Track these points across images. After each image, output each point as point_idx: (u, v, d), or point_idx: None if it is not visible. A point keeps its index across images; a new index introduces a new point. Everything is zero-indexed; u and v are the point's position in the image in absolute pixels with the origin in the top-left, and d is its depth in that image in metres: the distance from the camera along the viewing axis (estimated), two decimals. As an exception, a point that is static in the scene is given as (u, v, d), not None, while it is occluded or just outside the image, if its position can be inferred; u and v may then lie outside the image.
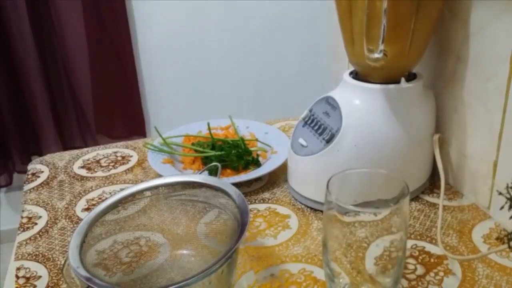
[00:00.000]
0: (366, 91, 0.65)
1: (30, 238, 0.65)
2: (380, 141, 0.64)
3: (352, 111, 0.64)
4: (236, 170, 0.77)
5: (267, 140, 0.84)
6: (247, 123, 0.90)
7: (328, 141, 0.64)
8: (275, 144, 0.82)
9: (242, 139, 0.82)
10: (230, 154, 0.78)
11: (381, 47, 0.58)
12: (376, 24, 0.58)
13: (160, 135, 0.84)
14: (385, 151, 0.64)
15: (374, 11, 0.58)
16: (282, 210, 0.69)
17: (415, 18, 0.59)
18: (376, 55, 0.59)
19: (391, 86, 0.64)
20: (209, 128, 0.84)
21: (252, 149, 0.81)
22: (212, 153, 0.78)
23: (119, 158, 0.86)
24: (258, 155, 0.81)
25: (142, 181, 0.58)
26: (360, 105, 0.64)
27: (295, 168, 0.70)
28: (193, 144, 0.83)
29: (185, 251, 0.56)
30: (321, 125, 0.66)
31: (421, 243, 0.60)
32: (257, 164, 0.78)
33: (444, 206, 0.66)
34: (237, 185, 0.75)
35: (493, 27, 0.60)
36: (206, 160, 0.79)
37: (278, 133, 0.86)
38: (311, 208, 0.68)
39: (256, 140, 0.84)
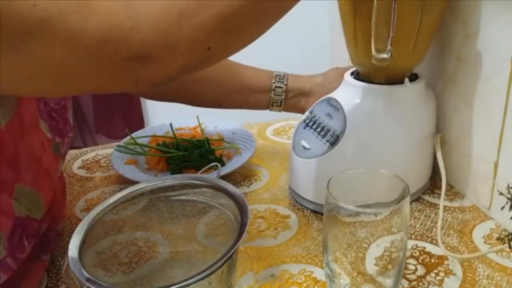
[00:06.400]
0: (369, 92, 0.64)
1: (29, 238, 0.65)
2: (383, 142, 0.63)
3: (355, 112, 0.64)
4: (199, 170, 0.77)
5: (234, 140, 0.84)
6: (215, 123, 0.90)
7: (333, 143, 0.63)
8: (241, 144, 0.82)
9: (207, 139, 0.82)
10: (193, 154, 0.78)
11: (389, 47, 0.58)
12: (384, 24, 0.57)
13: (130, 135, 0.85)
14: (388, 152, 0.64)
15: (382, 11, 0.57)
16: (282, 210, 0.69)
17: (420, 18, 0.59)
18: (384, 55, 0.58)
19: (395, 86, 0.63)
20: (172, 129, 0.85)
21: (216, 148, 0.81)
22: (175, 153, 0.79)
23: (119, 158, 0.86)
24: (221, 155, 0.81)
25: (142, 181, 0.57)
26: (364, 106, 0.64)
27: (298, 171, 0.69)
28: (157, 144, 0.83)
29: (185, 251, 0.56)
30: (323, 127, 0.65)
31: (421, 244, 0.60)
32: (220, 163, 0.78)
33: (444, 206, 0.66)
34: (237, 185, 0.75)
35: (493, 27, 0.60)
36: (170, 160, 0.79)
37: (245, 133, 0.86)
38: (312, 209, 0.68)
39: (222, 140, 0.84)
